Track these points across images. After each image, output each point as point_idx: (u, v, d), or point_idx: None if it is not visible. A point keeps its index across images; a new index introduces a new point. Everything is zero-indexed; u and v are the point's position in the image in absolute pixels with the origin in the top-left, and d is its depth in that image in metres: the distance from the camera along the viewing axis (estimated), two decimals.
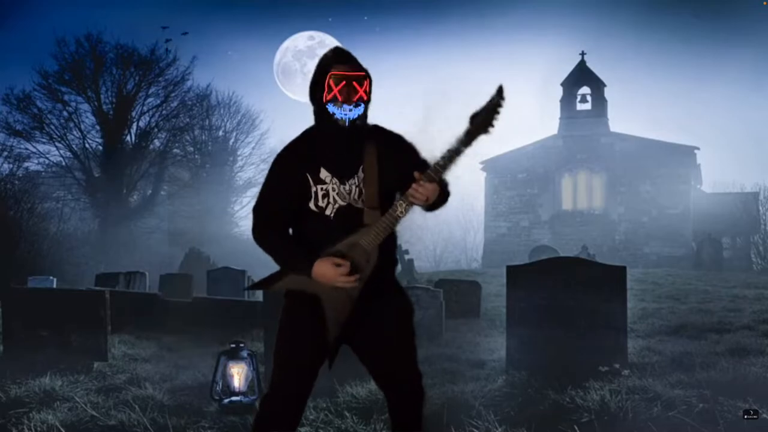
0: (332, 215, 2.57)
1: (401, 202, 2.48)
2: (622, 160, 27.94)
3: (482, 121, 2.40)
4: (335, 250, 2.52)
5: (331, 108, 2.54)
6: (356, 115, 2.55)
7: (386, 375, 2.73)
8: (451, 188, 2.66)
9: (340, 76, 2.52)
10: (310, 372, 2.65)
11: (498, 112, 2.39)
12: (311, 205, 2.58)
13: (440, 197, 2.58)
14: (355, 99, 2.54)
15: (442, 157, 2.45)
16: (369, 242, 2.52)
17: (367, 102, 2.59)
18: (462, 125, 2.44)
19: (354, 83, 2.54)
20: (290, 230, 2.68)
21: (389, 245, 2.63)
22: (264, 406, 2.68)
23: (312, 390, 2.69)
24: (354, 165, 2.59)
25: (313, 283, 2.55)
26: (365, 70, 2.58)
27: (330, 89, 2.53)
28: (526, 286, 5.72)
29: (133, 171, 29.59)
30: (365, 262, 2.53)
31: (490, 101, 2.40)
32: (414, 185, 2.45)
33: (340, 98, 2.53)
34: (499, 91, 2.39)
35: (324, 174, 2.58)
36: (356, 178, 2.58)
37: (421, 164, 2.56)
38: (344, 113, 2.54)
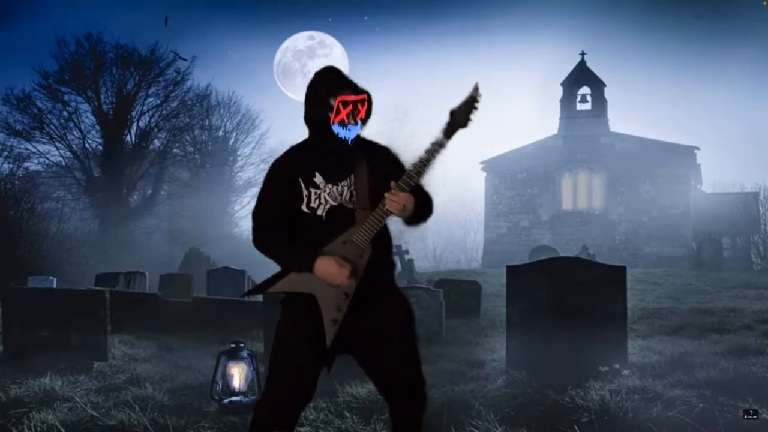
0: (324, 215, 2.66)
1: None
2: (622, 160, 27.93)
3: (460, 116, 2.54)
4: (328, 248, 2.59)
5: (336, 128, 2.68)
6: (356, 133, 2.71)
7: (388, 382, 2.74)
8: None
9: (348, 101, 2.67)
10: (306, 377, 2.65)
11: (475, 108, 2.54)
12: (303, 207, 2.67)
13: (423, 206, 2.69)
14: (359, 118, 2.70)
15: (419, 160, 2.58)
16: (361, 238, 2.60)
17: (364, 119, 2.74)
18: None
19: (359, 106, 2.70)
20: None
21: (384, 245, 2.70)
22: (258, 409, 2.69)
23: (311, 394, 2.70)
24: (345, 169, 2.69)
25: (310, 283, 2.60)
26: (366, 92, 2.73)
27: (338, 112, 2.67)
28: (526, 286, 5.72)
29: (133, 171, 29.59)
30: (359, 258, 2.60)
31: (468, 97, 2.54)
32: (389, 195, 2.56)
33: (346, 120, 2.67)
34: (476, 88, 2.55)
35: (318, 179, 2.68)
36: (348, 180, 2.68)
37: (403, 170, 2.67)
38: (348, 133, 2.68)
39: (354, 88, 2.71)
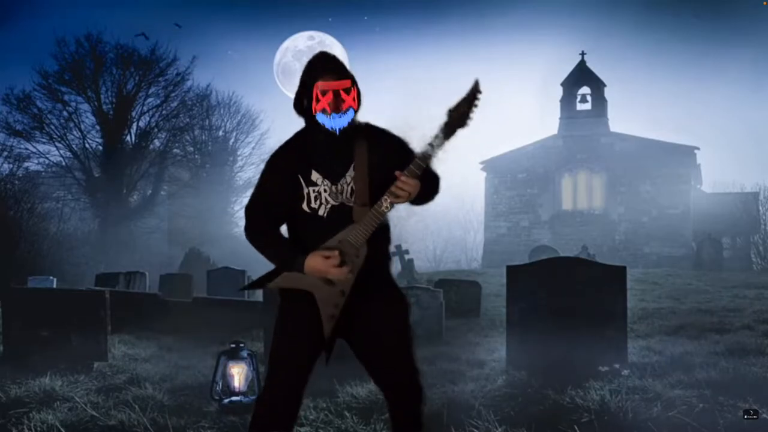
0: (325, 215, 2.62)
1: (386, 198, 2.53)
2: (622, 160, 27.92)
3: (459, 115, 2.46)
4: (325, 246, 2.57)
5: (320, 118, 2.59)
6: (346, 123, 2.59)
7: (383, 374, 2.74)
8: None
9: (327, 88, 2.56)
10: (305, 370, 2.67)
11: (475, 106, 2.45)
12: (304, 206, 2.63)
13: (429, 188, 2.63)
14: (343, 108, 2.58)
15: (422, 153, 2.51)
16: (357, 237, 2.56)
17: (356, 108, 2.62)
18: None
19: (341, 93, 2.57)
20: (283, 229, 2.72)
21: (380, 241, 2.67)
22: (260, 404, 2.71)
23: (305, 387, 2.70)
24: (345, 165, 2.63)
25: (306, 280, 2.59)
26: (351, 78, 2.61)
27: (318, 100, 2.57)
28: (526, 286, 5.72)
29: (133, 171, 29.60)
30: (355, 257, 2.57)
31: (467, 95, 2.46)
32: (396, 183, 2.49)
33: (328, 109, 2.57)
34: (475, 85, 2.46)
35: (315, 176, 2.63)
36: (347, 177, 2.62)
37: (411, 156, 2.59)
38: (334, 123, 2.58)
39: (337, 73, 2.57)
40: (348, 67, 2.65)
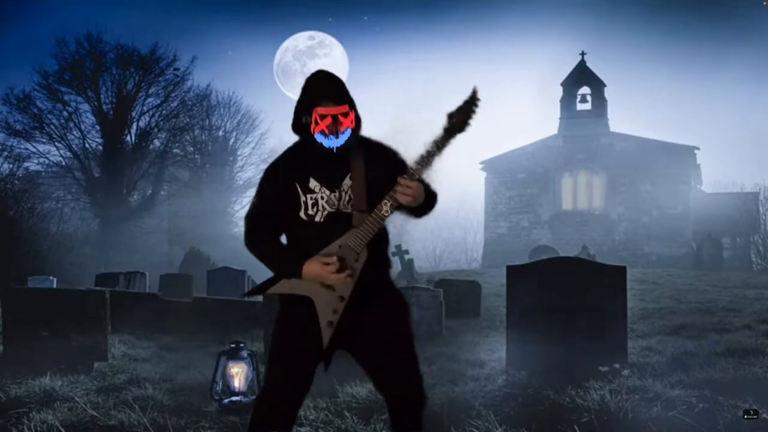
0: (322, 221, 2.65)
1: (386, 201, 2.56)
2: (622, 160, 27.93)
3: (458, 120, 2.49)
4: (325, 252, 2.59)
5: (319, 138, 2.62)
6: (343, 142, 2.63)
7: (385, 380, 2.75)
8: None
9: (326, 113, 2.60)
10: (303, 374, 2.67)
11: (474, 112, 2.49)
12: (301, 213, 2.66)
13: (426, 199, 2.65)
14: (341, 130, 2.62)
15: (421, 157, 2.53)
16: (357, 242, 2.59)
17: (354, 128, 2.65)
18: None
19: (339, 117, 2.61)
20: (281, 238, 2.74)
21: (380, 246, 2.68)
22: (258, 406, 2.72)
23: (307, 391, 2.71)
24: (342, 173, 2.66)
25: (306, 286, 2.60)
26: (349, 101, 2.65)
27: (317, 123, 2.61)
28: (526, 286, 5.72)
29: (133, 171, 29.60)
30: (354, 262, 2.59)
31: (467, 101, 2.49)
32: (400, 186, 2.52)
33: (327, 131, 2.61)
34: (474, 93, 2.50)
35: (313, 183, 2.66)
36: (344, 185, 2.66)
37: (406, 167, 2.62)
38: (332, 143, 2.62)
39: (336, 99, 2.62)
40: (345, 79, 2.69)
